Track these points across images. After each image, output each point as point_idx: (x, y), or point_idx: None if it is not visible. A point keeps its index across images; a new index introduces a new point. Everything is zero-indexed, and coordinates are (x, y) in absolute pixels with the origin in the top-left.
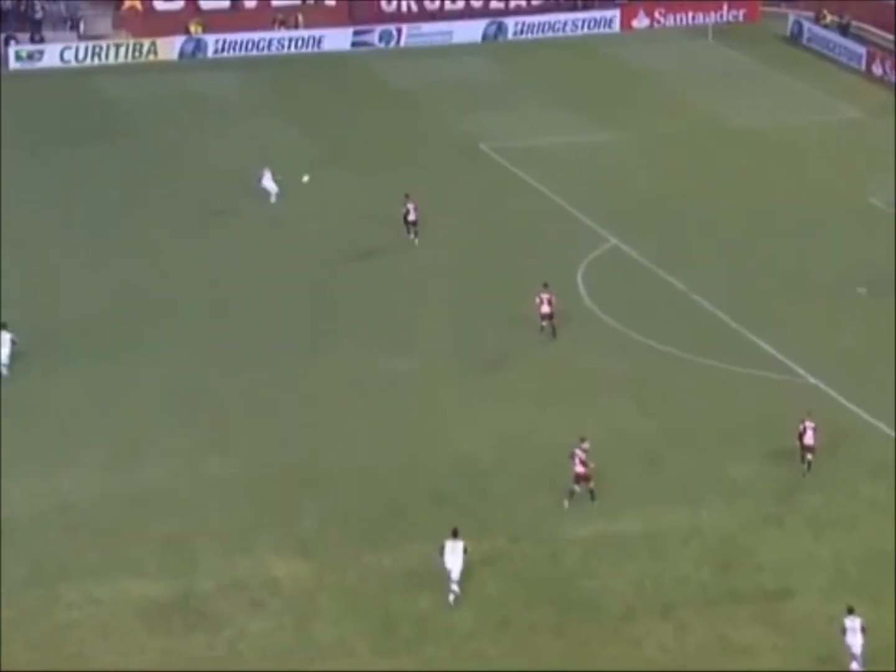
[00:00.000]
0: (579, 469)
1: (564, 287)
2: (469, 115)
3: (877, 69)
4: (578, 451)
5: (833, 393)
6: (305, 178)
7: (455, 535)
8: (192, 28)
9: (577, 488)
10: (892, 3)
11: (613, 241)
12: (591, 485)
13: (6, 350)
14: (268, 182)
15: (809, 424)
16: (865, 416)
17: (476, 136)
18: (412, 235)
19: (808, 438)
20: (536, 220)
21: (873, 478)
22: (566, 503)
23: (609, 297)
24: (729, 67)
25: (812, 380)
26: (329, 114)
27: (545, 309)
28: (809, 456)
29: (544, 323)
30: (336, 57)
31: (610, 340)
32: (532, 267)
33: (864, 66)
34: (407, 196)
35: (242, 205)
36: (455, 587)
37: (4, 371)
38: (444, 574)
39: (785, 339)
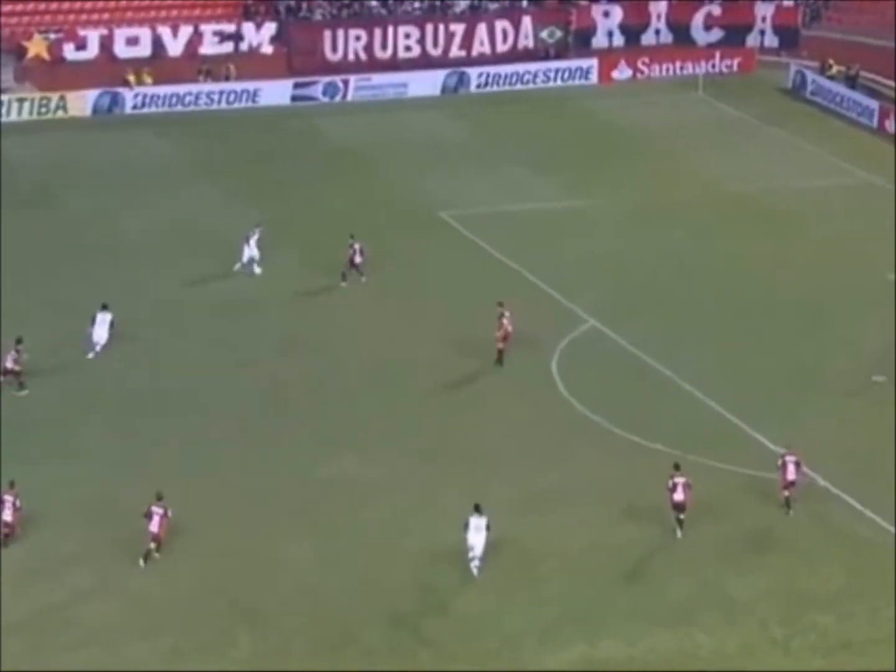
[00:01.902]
0: (679, 497)
1: (537, 375)
2: (427, 179)
3: (890, 126)
4: (679, 479)
5: (846, 497)
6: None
7: (478, 510)
8: (132, 78)
9: (682, 517)
10: None
11: (592, 321)
12: (683, 516)
13: (103, 330)
14: (252, 247)
15: (790, 458)
16: (885, 524)
17: (435, 202)
18: (362, 277)
19: (790, 474)
20: (504, 299)
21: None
22: (679, 533)
23: (588, 387)
24: (723, 124)
25: (822, 482)
26: (266, 178)
27: (511, 329)
28: (787, 493)
29: (501, 346)
30: (274, 113)
31: (589, 436)
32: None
33: (876, 123)
34: (352, 236)
35: (167, 282)
36: (478, 562)
37: (97, 349)
38: (466, 549)
39: (789, 435)
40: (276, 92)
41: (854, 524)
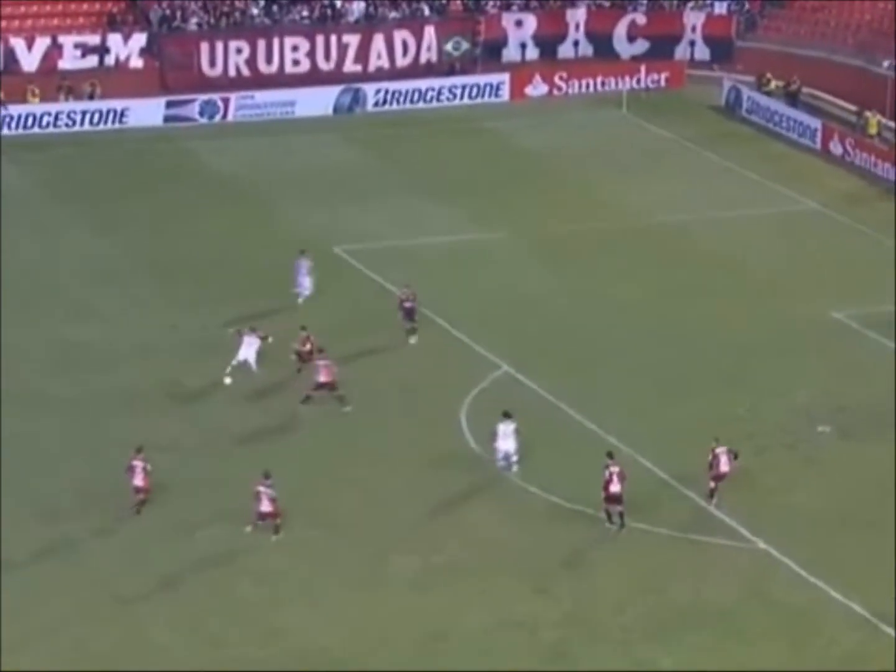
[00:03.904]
0: (615, 488)
1: (445, 428)
2: (319, 210)
3: (835, 148)
4: (614, 468)
5: (789, 561)
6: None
7: (507, 415)
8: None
9: (611, 510)
10: (851, 64)
11: (505, 367)
12: (622, 508)
13: (306, 280)
14: (247, 349)
15: (721, 450)
16: (832, 592)
17: (328, 236)
18: (411, 333)
19: (724, 465)
20: (406, 343)
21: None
22: (611, 529)
23: None
24: (650, 147)
25: (762, 545)
26: (134, 210)
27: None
28: (714, 484)
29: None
30: (144, 135)
31: (503, 497)
32: (402, 404)
33: (819, 144)
34: (407, 286)
35: (13, 330)
36: (515, 465)
37: (304, 293)
38: (497, 455)
39: (726, 494)
40: (146, 112)
41: (797, 593)
